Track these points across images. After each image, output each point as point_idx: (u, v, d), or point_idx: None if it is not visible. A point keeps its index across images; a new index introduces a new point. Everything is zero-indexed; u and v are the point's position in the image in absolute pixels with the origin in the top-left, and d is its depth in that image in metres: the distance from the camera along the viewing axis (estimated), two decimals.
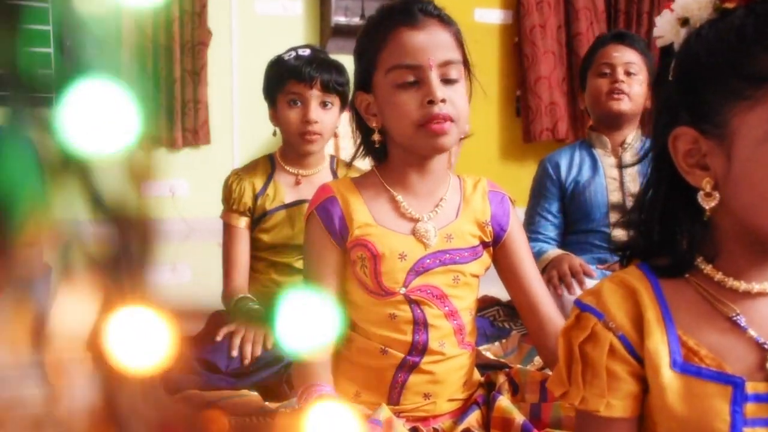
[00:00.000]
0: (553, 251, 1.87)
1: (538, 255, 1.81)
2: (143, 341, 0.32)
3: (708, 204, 0.66)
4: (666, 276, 0.71)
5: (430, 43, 1.05)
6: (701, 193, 0.67)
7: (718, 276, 0.68)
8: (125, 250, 0.31)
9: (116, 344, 0.32)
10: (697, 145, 0.67)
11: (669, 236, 0.71)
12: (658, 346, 0.68)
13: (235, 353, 1.45)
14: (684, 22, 0.70)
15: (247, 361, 1.44)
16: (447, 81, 1.05)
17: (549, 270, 1.79)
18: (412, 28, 1.05)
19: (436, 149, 1.07)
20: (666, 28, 0.72)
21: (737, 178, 0.65)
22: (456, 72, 1.06)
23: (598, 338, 0.70)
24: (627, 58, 1.88)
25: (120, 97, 0.32)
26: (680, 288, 0.70)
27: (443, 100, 1.03)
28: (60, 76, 0.31)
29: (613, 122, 1.92)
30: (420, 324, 1.09)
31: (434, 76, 1.04)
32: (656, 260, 0.72)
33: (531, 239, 1.77)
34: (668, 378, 0.67)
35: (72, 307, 0.32)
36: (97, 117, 0.31)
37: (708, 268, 0.69)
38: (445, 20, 1.09)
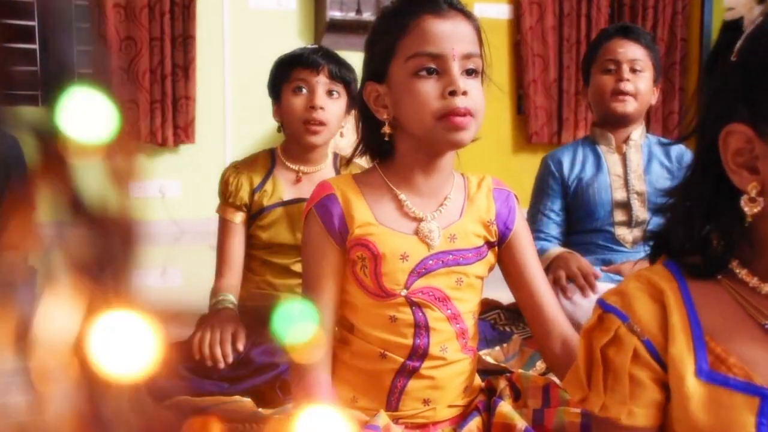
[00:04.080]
0: (554, 249, 1.82)
1: (539, 254, 1.78)
2: (129, 346, 0.31)
3: (751, 210, 0.62)
4: (696, 276, 0.67)
5: (455, 34, 1.03)
6: (745, 197, 0.62)
7: (753, 281, 0.64)
8: (109, 252, 0.30)
9: (101, 350, 0.31)
10: (751, 145, 0.62)
11: (705, 233, 0.66)
12: (683, 352, 0.64)
13: (198, 357, 1.39)
14: None
15: (221, 365, 1.38)
16: (467, 74, 1.04)
17: (554, 270, 1.74)
18: (437, 17, 1.03)
19: (454, 144, 1.04)
20: (739, 1, 0.65)
21: None
22: (476, 66, 1.05)
23: (622, 342, 0.66)
24: (632, 54, 1.82)
25: (104, 95, 0.31)
26: (711, 290, 0.66)
27: (464, 92, 1.01)
28: (45, 74, 0.30)
29: (617, 122, 1.88)
30: (421, 327, 1.07)
31: (456, 67, 1.02)
32: (686, 259, 0.68)
33: (533, 238, 1.75)
34: (692, 386, 0.63)
35: (56, 312, 0.31)
36: (82, 116, 0.30)
37: (743, 272, 0.65)
38: (468, 14, 1.07)
